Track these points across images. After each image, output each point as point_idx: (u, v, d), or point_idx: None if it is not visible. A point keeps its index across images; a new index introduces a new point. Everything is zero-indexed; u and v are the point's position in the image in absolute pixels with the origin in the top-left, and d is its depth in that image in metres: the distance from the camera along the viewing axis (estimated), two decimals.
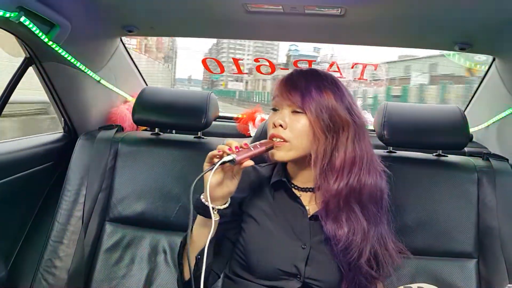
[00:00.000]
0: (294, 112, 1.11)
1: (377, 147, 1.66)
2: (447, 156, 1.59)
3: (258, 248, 1.13)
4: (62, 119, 1.81)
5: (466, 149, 1.78)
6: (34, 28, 1.32)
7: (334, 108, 1.09)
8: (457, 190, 1.47)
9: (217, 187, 1.03)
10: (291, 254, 1.11)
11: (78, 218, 1.54)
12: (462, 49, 1.55)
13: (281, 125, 1.10)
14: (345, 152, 1.09)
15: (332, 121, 1.09)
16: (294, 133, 1.10)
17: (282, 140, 1.10)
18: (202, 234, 1.04)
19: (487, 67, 1.80)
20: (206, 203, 1.02)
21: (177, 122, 1.67)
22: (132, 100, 1.94)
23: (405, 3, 1.26)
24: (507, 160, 1.55)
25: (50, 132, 1.85)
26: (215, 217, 1.04)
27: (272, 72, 1.94)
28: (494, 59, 1.71)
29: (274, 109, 1.16)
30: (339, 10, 1.34)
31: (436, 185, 1.48)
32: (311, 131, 1.09)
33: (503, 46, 1.50)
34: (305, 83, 1.11)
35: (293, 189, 1.19)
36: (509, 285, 0.62)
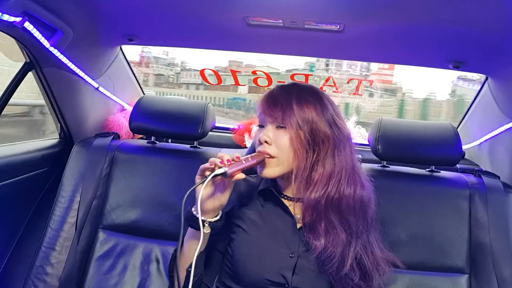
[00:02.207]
0: (278, 127, 1.13)
1: (371, 161, 1.68)
2: (439, 172, 1.61)
3: (245, 257, 1.13)
4: (59, 125, 1.81)
5: (458, 165, 1.81)
6: (36, 34, 1.33)
7: (315, 121, 1.11)
8: (449, 205, 1.48)
9: (208, 200, 1.04)
10: (278, 263, 1.11)
11: (71, 225, 1.52)
12: (455, 67, 1.58)
13: (266, 141, 1.12)
14: (324, 166, 1.11)
15: (312, 135, 1.10)
16: (280, 148, 1.11)
17: (269, 157, 1.11)
18: (193, 247, 1.05)
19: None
20: (198, 216, 1.02)
21: (174, 131, 1.68)
22: (129, 108, 1.95)
23: (402, 21, 1.30)
24: (499, 177, 1.57)
25: (46, 138, 1.85)
26: (206, 229, 1.05)
27: None
28: (487, 78, 1.75)
29: (261, 126, 1.18)
30: (338, 26, 1.37)
31: (428, 200, 1.49)
32: (292, 146, 1.10)
33: (495, 66, 1.53)
34: (286, 98, 1.13)
35: (283, 199, 1.20)
36: None
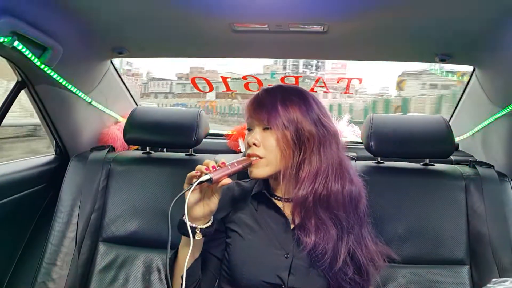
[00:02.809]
0: (265, 129, 1.15)
1: (366, 158, 1.69)
2: (434, 165, 1.62)
3: (242, 261, 1.14)
4: (54, 141, 1.82)
5: (452, 157, 1.81)
6: (27, 52, 1.34)
7: (300, 121, 1.13)
8: (446, 197, 1.49)
9: (197, 206, 1.05)
10: (274, 264, 1.12)
11: (71, 239, 1.53)
12: (442, 60, 1.59)
13: (255, 144, 1.13)
14: (311, 163, 1.12)
15: (298, 135, 1.12)
16: (267, 149, 1.13)
17: (258, 158, 1.13)
18: (187, 254, 1.05)
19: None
20: (188, 223, 1.04)
21: (168, 140, 1.69)
22: (123, 121, 1.96)
23: (386, 18, 1.31)
24: (493, 166, 1.58)
25: (43, 155, 1.86)
26: (197, 236, 1.06)
27: None
28: (474, 69, 1.76)
29: (249, 129, 1.20)
30: (322, 27, 1.38)
31: (425, 194, 1.50)
32: (279, 146, 1.12)
33: (482, 57, 1.54)
34: (271, 101, 1.15)
35: (275, 200, 1.21)
36: (493, 279, 0.64)
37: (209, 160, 1.04)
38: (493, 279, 0.64)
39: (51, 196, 1.77)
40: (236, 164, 1.08)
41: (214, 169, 1.02)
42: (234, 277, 1.14)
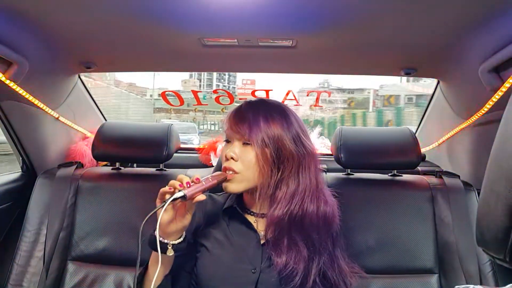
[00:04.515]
0: (245, 143, 1.13)
1: (336, 170, 1.71)
2: (401, 176, 1.65)
3: (209, 275, 1.14)
4: (20, 158, 1.77)
5: (420, 168, 1.86)
6: None
7: (281, 139, 1.11)
8: (413, 208, 1.52)
9: (170, 223, 1.03)
10: (240, 279, 1.11)
11: (39, 259, 1.49)
12: (407, 74, 1.63)
13: (232, 158, 1.12)
14: (288, 185, 1.12)
15: (277, 153, 1.11)
16: (245, 164, 1.11)
17: (233, 173, 1.12)
18: (157, 270, 1.03)
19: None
20: (160, 239, 1.02)
21: (138, 155, 1.67)
22: (91, 136, 1.93)
23: (352, 33, 1.33)
24: (459, 176, 1.62)
25: (9, 172, 1.81)
26: (169, 252, 1.04)
27: None
28: (438, 82, 1.81)
29: (227, 141, 1.18)
30: (291, 42, 1.40)
31: (393, 204, 1.52)
32: (258, 163, 1.11)
33: (445, 70, 1.59)
34: (253, 115, 1.13)
35: (248, 215, 1.20)
36: (456, 286, 0.65)
37: (183, 175, 1.02)
38: (456, 287, 0.65)
39: (17, 214, 1.72)
40: (210, 180, 1.06)
41: (188, 185, 1.00)
42: None
